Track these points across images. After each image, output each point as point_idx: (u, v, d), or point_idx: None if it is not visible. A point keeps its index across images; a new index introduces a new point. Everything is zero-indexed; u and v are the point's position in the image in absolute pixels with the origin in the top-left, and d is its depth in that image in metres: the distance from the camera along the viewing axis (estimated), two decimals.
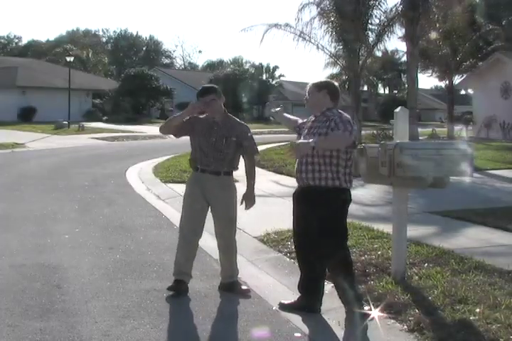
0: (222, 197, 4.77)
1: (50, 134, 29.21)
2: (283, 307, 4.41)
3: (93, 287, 4.89)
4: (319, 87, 4.39)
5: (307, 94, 4.45)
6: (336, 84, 4.53)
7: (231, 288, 4.81)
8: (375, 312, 4.14)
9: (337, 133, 4.08)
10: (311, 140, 4.02)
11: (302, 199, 4.29)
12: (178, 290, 4.66)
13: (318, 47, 20.08)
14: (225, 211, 4.78)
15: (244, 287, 4.87)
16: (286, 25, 19.68)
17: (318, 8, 19.76)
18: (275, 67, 79.61)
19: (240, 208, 4.88)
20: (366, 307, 4.18)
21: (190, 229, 4.78)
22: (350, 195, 4.31)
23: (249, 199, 4.90)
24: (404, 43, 21.65)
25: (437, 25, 22.45)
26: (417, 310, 4.18)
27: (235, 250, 4.91)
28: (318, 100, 4.36)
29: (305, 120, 4.56)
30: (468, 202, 9.06)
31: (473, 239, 6.65)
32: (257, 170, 16.27)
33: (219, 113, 4.79)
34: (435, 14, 20.23)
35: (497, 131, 27.01)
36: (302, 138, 4.33)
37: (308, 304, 4.30)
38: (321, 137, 4.09)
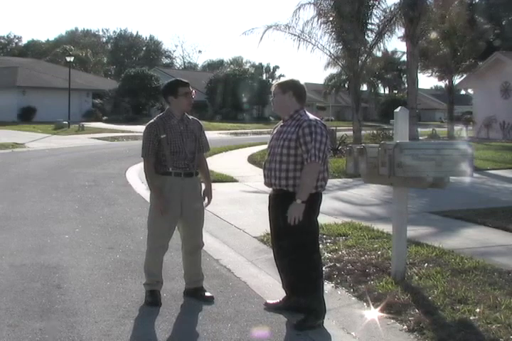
0: (195, 196, 4.62)
1: (50, 134, 29.25)
2: (268, 307, 4.42)
3: (93, 287, 4.90)
4: (284, 88, 4.24)
5: (272, 94, 4.33)
6: (302, 82, 4.33)
7: (195, 294, 4.66)
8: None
9: (307, 172, 3.99)
10: (297, 200, 3.95)
11: (277, 204, 4.21)
12: (157, 302, 4.49)
13: (317, 47, 20.07)
14: (196, 207, 4.60)
15: (208, 294, 4.67)
16: (286, 25, 19.65)
17: (317, 8, 19.75)
18: (275, 67, 79.65)
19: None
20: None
21: (166, 235, 4.59)
22: (320, 197, 4.24)
23: (210, 194, 4.72)
24: (404, 43, 21.64)
25: (437, 24, 22.46)
26: (417, 310, 4.18)
27: (200, 251, 4.78)
28: (284, 103, 4.23)
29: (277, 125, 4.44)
30: (468, 202, 9.06)
31: (473, 239, 6.65)
32: (257, 169, 16.20)
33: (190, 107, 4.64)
34: (435, 14, 20.24)
35: (497, 131, 27.05)
36: (273, 142, 4.24)
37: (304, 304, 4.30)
38: (300, 187, 3.99)
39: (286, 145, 4.10)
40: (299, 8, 19.48)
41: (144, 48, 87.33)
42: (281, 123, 4.34)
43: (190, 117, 4.72)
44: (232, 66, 64.58)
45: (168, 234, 4.61)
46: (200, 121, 4.80)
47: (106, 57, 71.79)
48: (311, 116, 4.17)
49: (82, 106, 43.67)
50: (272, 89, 4.34)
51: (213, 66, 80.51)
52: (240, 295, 4.76)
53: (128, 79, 45.72)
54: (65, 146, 22.60)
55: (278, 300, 4.45)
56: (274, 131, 4.34)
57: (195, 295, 4.66)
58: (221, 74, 51.87)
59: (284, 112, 4.28)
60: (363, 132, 20.29)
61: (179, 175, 4.52)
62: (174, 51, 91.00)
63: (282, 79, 4.41)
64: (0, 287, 4.84)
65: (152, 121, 4.63)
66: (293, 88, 4.23)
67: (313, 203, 4.10)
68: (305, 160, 4.03)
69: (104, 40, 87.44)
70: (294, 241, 4.12)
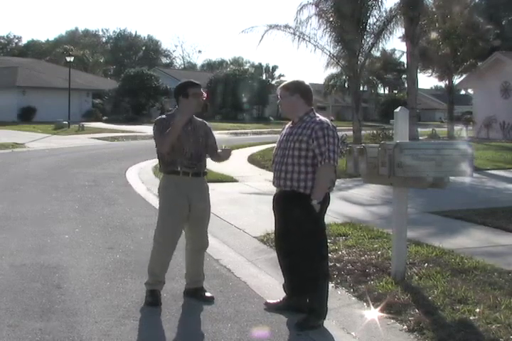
0: (202, 196, 4.62)
1: (50, 134, 29.24)
2: (269, 307, 4.42)
3: (93, 287, 4.90)
4: (291, 90, 4.25)
5: (279, 97, 4.33)
6: (307, 83, 4.33)
7: (196, 294, 4.66)
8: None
9: (322, 173, 4.07)
10: (314, 201, 4.02)
11: (290, 205, 4.23)
12: (157, 302, 4.49)
13: (317, 47, 20.07)
14: (203, 207, 4.60)
15: (208, 294, 4.68)
16: (286, 26, 19.65)
17: (317, 9, 19.74)
18: (275, 67, 79.67)
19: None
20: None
21: (174, 236, 4.57)
22: (329, 198, 4.26)
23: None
24: (403, 43, 21.64)
25: (437, 25, 22.45)
26: (417, 310, 4.18)
27: (204, 252, 4.78)
28: (292, 105, 4.25)
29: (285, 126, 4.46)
30: (468, 202, 9.06)
31: (473, 239, 6.65)
32: (257, 169, 16.12)
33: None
34: (435, 14, 20.24)
35: (497, 131, 27.05)
36: (280, 144, 4.28)
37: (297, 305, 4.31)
38: (315, 188, 4.06)
39: (297, 147, 4.12)
40: (301, 8, 19.50)
41: (144, 48, 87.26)
42: (290, 124, 4.35)
43: (199, 120, 4.73)
44: (232, 66, 64.56)
45: (177, 234, 4.60)
46: (207, 123, 4.78)
47: (103, 57, 71.62)
48: (322, 118, 4.20)
49: (82, 106, 43.66)
50: (278, 92, 4.34)
51: (213, 66, 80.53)
52: (239, 295, 4.76)
53: (128, 79, 45.69)
54: (65, 146, 22.59)
55: (278, 300, 4.46)
56: (283, 132, 4.35)
57: (195, 295, 4.66)
58: (221, 74, 51.83)
59: (293, 114, 4.28)
60: (363, 132, 20.27)
61: (187, 175, 4.51)
62: (174, 51, 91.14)
63: (287, 82, 4.41)
64: (0, 287, 4.84)
65: (161, 117, 4.67)
66: (300, 89, 4.26)
67: (322, 204, 4.14)
68: (319, 162, 4.08)
69: (104, 40, 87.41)
70: (302, 242, 4.14)
